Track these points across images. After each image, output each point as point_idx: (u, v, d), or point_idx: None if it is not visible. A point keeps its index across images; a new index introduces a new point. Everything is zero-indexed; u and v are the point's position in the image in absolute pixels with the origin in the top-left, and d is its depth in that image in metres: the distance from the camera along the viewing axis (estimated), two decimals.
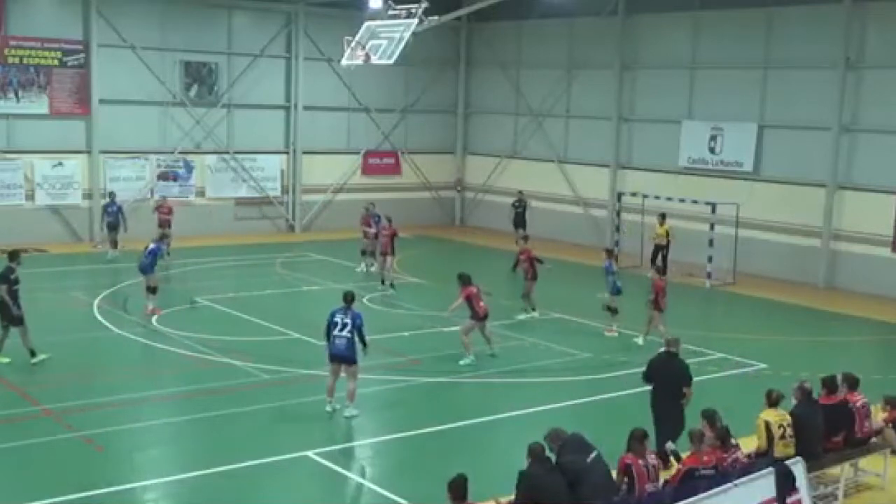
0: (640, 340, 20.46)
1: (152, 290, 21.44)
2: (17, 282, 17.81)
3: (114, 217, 28.37)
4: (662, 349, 14.53)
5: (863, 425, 13.20)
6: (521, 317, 22.45)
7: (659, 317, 20.17)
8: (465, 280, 18.91)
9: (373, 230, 27.01)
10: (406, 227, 26.39)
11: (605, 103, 33.37)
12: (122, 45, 31.33)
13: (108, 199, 29.04)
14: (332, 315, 15.13)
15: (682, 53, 31.32)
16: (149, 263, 21.41)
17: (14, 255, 18.21)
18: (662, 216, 28.22)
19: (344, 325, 14.96)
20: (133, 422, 14.93)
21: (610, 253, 22.46)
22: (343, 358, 15.01)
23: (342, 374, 15.19)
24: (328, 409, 15.28)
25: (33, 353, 17.64)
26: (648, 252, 29.70)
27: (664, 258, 27.62)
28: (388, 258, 25.44)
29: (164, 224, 27.97)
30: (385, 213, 27.53)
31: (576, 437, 10.73)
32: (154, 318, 20.91)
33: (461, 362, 18.43)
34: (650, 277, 21.01)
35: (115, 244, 28.30)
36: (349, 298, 15.34)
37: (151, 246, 21.73)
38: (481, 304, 18.73)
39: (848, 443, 13.04)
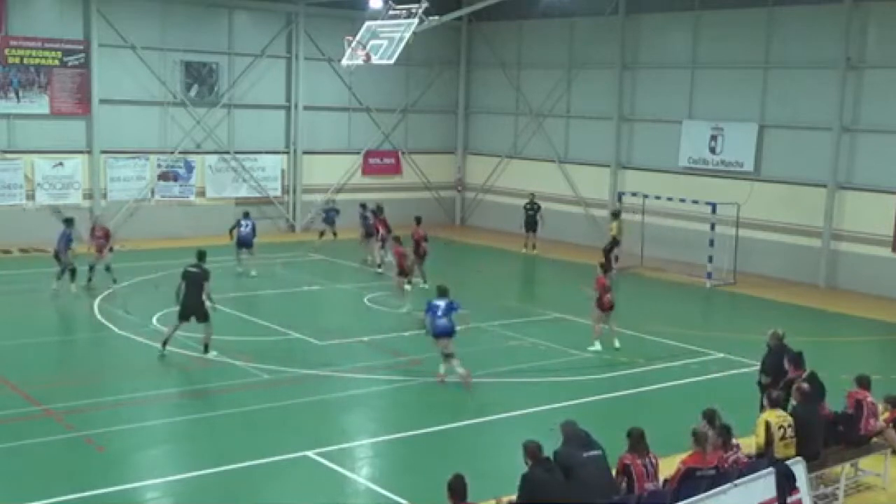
0: (597, 346, 19.63)
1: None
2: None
3: None
4: (771, 343, 14.59)
5: (868, 422, 13.23)
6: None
7: (600, 316, 19.69)
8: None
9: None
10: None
11: (606, 103, 33.36)
12: (123, 45, 31.34)
13: None
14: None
15: (682, 53, 31.32)
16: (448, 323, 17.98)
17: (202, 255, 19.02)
18: (615, 213, 29.15)
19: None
20: (133, 422, 14.93)
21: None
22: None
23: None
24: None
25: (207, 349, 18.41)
26: (648, 253, 29.82)
27: (613, 253, 28.09)
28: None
29: (100, 249, 24.36)
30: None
31: (580, 432, 10.77)
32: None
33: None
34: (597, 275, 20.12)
35: None
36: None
37: (441, 303, 17.50)
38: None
39: (849, 442, 13.05)
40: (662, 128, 31.74)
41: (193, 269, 18.41)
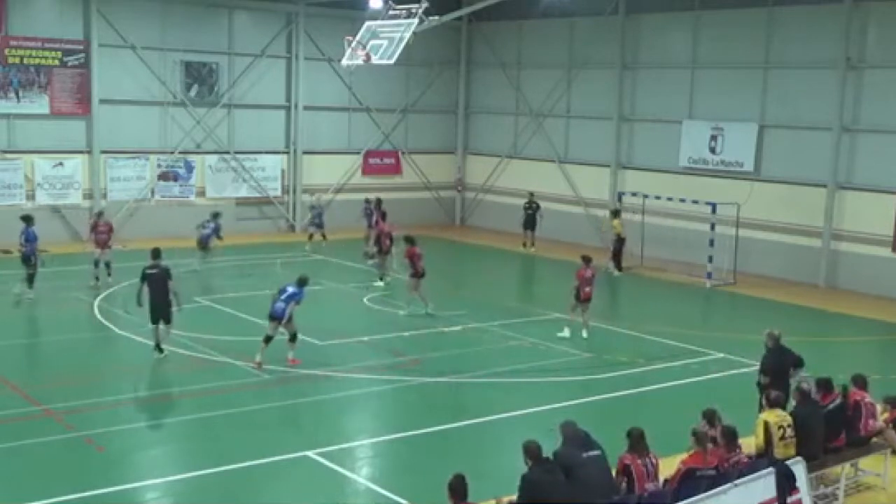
0: (566, 332, 20.57)
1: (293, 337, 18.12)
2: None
3: None
4: (769, 343, 14.59)
5: (867, 423, 13.23)
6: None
7: (574, 305, 20.66)
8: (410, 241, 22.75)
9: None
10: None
11: (606, 103, 33.36)
12: (123, 45, 31.34)
13: None
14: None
15: (682, 53, 31.32)
16: (284, 308, 17.75)
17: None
18: (614, 212, 29.66)
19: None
20: (133, 422, 14.95)
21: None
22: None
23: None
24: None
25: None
26: (648, 253, 29.82)
27: (618, 252, 28.73)
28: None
29: (102, 245, 24.32)
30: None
31: (580, 433, 10.77)
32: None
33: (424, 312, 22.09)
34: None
35: None
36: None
37: (290, 290, 17.94)
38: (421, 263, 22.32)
39: (849, 443, 13.04)
40: (662, 128, 31.74)
41: (152, 270, 17.96)
